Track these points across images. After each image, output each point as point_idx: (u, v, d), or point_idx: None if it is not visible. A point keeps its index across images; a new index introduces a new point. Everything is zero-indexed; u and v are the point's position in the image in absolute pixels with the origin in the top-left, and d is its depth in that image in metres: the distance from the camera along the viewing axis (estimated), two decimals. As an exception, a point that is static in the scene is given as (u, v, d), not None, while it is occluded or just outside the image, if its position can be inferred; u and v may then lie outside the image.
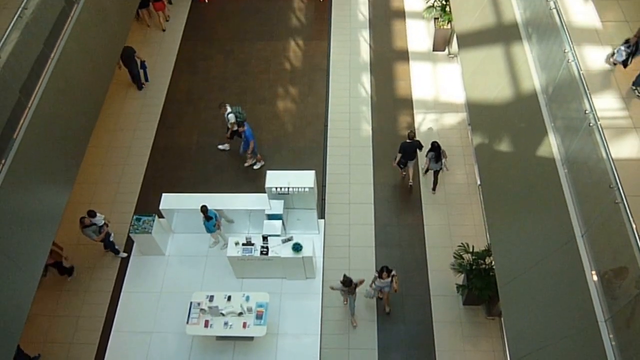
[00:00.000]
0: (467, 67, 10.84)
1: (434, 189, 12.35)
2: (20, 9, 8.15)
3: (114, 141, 13.57)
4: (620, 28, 8.42)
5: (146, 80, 14.86)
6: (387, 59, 15.25)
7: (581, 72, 6.76)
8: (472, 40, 10.75)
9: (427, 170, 12.41)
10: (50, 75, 8.58)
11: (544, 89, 7.76)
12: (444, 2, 14.21)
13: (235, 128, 12.27)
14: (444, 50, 15.25)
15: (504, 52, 9.10)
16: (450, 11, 13.29)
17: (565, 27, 7.30)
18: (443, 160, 11.68)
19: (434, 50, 15.28)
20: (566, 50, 7.09)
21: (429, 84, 14.57)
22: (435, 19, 14.77)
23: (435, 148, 11.62)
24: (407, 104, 14.16)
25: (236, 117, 12.27)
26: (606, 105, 7.38)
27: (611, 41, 8.21)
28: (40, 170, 8.33)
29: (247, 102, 14.36)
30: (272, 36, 16.04)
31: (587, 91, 6.53)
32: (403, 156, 11.87)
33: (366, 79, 14.79)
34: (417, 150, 11.85)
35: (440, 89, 14.40)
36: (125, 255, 11.55)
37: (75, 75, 9.51)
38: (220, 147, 13.28)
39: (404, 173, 12.51)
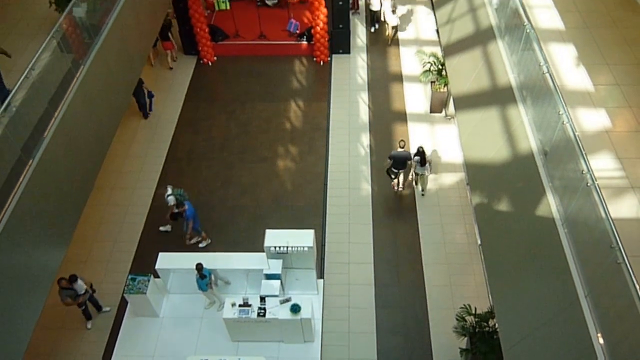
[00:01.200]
0: (464, 129, 11.01)
1: (422, 192, 13.45)
2: (27, 70, 8.36)
3: (113, 198, 13.59)
4: (611, 91, 8.64)
5: (150, 109, 15.77)
6: (386, 119, 15.54)
7: (576, 133, 6.85)
8: (468, 102, 10.98)
9: (415, 178, 13.39)
10: (52, 133, 8.69)
11: (540, 149, 7.84)
12: (439, 67, 14.64)
13: (175, 210, 12.01)
14: (441, 112, 15.57)
15: (500, 114, 9.27)
16: (446, 75, 13.66)
17: (558, 90, 7.46)
18: (427, 165, 12.77)
19: (431, 112, 15.59)
20: (560, 113, 7.22)
21: (427, 144, 14.74)
22: (431, 82, 15.17)
23: (421, 153, 12.72)
24: (406, 163, 14.28)
25: (176, 198, 12.07)
26: (603, 165, 7.44)
27: (604, 103, 8.40)
28: (36, 229, 8.27)
29: (248, 161, 14.50)
30: (273, 97, 16.41)
31: (583, 152, 6.59)
32: (394, 164, 12.90)
33: (365, 139, 15.00)
34: (407, 161, 12.89)
35: (439, 149, 14.57)
36: (108, 309, 11.32)
37: (78, 135, 9.63)
38: (161, 229, 12.92)
39: (396, 188, 13.45)
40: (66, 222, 9.17)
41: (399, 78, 16.92)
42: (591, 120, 8.23)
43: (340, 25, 17.22)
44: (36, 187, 8.16)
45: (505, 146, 8.79)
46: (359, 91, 16.51)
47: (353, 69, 17.22)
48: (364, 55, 17.67)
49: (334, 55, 17.71)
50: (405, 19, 19.00)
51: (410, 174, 13.47)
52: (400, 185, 13.37)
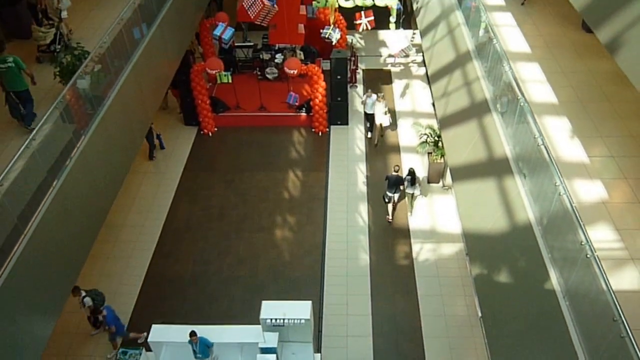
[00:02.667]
0: (461, 199, 11.03)
1: (410, 212, 14.57)
2: (28, 140, 8.46)
3: (107, 268, 13.37)
4: (606, 163, 8.73)
5: (162, 147, 17.10)
6: (384, 190, 15.59)
7: (573, 204, 6.85)
8: (465, 173, 11.07)
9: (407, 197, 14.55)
10: (49, 203, 8.67)
11: (538, 220, 7.80)
12: (436, 138, 14.90)
13: (89, 313, 11.46)
14: (438, 182, 15.67)
15: (497, 185, 9.31)
16: (442, 146, 13.87)
17: (554, 162, 7.54)
18: (417, 184, 14.11)
19: (428, 182, 15.69)
20: (557, 184, 7.25)
21: (425, 214, 14.74)
22: (428, 153, 15.37)
23: (412, 173, 14.18)
24: (404, 233, 14.20)
25: (93, 299, 11.41)
26: (601, 236, 7.39)
27: (600, 175, 8.46)
28: (27, 298, 8.07)
29: (245, 230, 14.41)
30: (272, 167, 16.57)
31: (581, 223, 6.56)
32: (388, 186, 14.03)
33: (363, 209, 14.99)
34: (401, 186, 14.03)
35: (437, 219, 14.54)
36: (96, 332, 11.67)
37: (75, 206, 9.61)
38: (93, 334, 12.02)
39: (390, 217, 14.45)
40: (58, 292, 8.96)
41: (396, 149, 17.16)
42: (588, 191, 8.25)
43: (339, 98, 17.70)
44: (30, 257, 8.03)
45: (503, 217, 8.76)
46: (357, 162, 16.69)
47: (351, 140, 17.51)
48: (362, 127, 18.01)
49: (332, 127, 18.07)
50: (403, 92, 19.58)
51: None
52: (390, 218, 14.52)
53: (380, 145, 17.20)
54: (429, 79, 15.59)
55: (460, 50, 12.40)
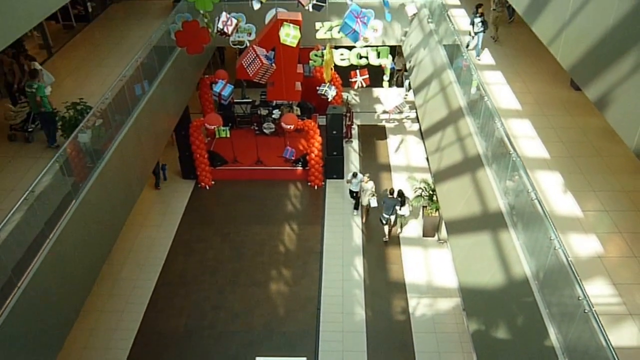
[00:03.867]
0: (457, 253, 11.03)
1: (400, 231, 15.90)
2: (27, 192, 8.52)
3: (99, 323, 13.11)
4: (600, 217, 8.82)
5: (165, 179, 17.97)
6: (379, 243, 15.60)
7: (569, 258, 6.89)
8: (460, 227, 11.12)
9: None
10: (45, 256, 8.62)
11: (535, 275, 7.81)
12: (431, 192, 15.04)
13: None
14: (433, 236, 15.69)
15: (492, 238, 9.36)
16: (437, 200, 13.99)
17: (548, 216, 7.62)
18: (407, 206, 15.24)
19: (424, 236, 15.71)
20: (552, 238, 7.30)
21: (421, 268, 14.67)
22: (423, 207, 15.48)
23: (401, 195, 15.31)
24: (401, 287, 14.08)
25: None
26: (598, 291, 7.37)
27: (594, 229, 8.53)
28: (17, 355, 7.88)
29: (240, 284, 14.26)
30: (268, 221, 16.58)
31: (578, 277, 6.57)
32: (385, 209, 15.16)
33: (359, 263, 14.91)
34: (396, 207, 15.08)
35: (433, 273, 14.46)
36: None
37: (70, 259, 9.56)
38: None
39: (386, 237, 15.57)
40: (49, 347, 8.77)
41: (391, 203, 17.24)
42: (583, 245, 8.30)
43: (335, 153, 17.97)
44: (22, 311, 7.91)
45: (500, 271, 8.75)
46: (353, 215, 16.74)
47: (347, 194, 17.62)
48: (358, 181, 18.15)
49: (328, 180, 18.25)
50: (397, 147, 19.90)
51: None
52: (386, 238, 15.65)
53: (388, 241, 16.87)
54: (423, 135, 15.90)
55: (452, 107, 12.74)
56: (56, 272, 9.03)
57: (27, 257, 8.42)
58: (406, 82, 21.28)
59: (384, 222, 15.41)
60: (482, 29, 13.99)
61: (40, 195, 8.79)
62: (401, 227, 15.97)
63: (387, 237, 15.64)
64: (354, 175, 16.25)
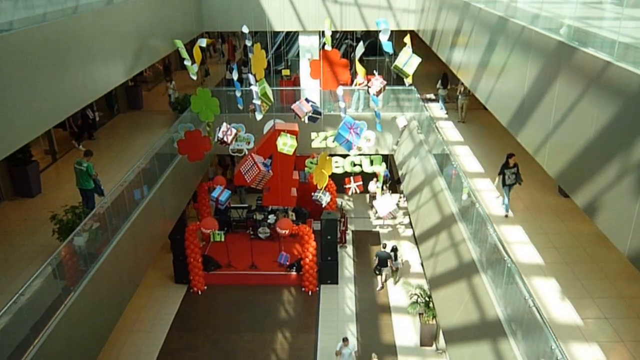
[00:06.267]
0: (457, 363, 10.66)
1: (395, 282, 17.80)
2: (16, 295, 8.37)
3: None
4: (601, 325, 8.67)
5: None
6: (376, 352, 15.00)
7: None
8: (458, 335, 10.84)
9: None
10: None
11: (538, 386, 7.53)
12: (427, 299, 14.81)
13: None
14: (431, 345, 15.20)
15: (491, 348, 9.10)
16: (434, 307, 13.74)
17: (547, 324, 7.50)
18: (399, 260, 17.71)
19: (421, 345, 15.21)
20: (553, 347, 7.14)
21: (420, 380, 14.05)
22: (420, 314, 15.15)
23: (395, 250, 17.89)
24: (399, 402, 13.37)
25: None
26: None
27: (595, 338, 8.35)
28: None
29: (229, 397, 13.51)
30: (260, 327, 16.10)
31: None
32: (379, 262, 17.22)
33: (355, 374, 14.26)
34: (388, 260, 17.10)
35: (432, 386, 13.82)
36: None
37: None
38: None
39: (380, 285, 17.64)
40: None
41: (387, 309, 16.92)
42: (586, 355, 8.08)
43: (329, 258, 17.92)
44: None
45: (502, 382, 8.43)
46: (347, 322, 16.31)
47: (341, 300, 17.31)
48: (352, 286, 17.95)
49: (322, 286, 17.99)
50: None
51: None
52: (381, 284, 17.67)
53: (370, 307, 16.96)
54: (417, 240, 15.98)
55: (444, 213, 12.96)
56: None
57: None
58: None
59: (377, 273, 17.62)
60: (514, 181, 12.04)
61: (30, 299, 8.63)
62: (395, 280, 17.77)
63: (380, 285, 17.74)
64: (345, 344, 13.83)
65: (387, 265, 17.24)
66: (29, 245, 11.49)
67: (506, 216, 12.05)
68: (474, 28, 12.06)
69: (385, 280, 17.87)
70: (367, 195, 21.11)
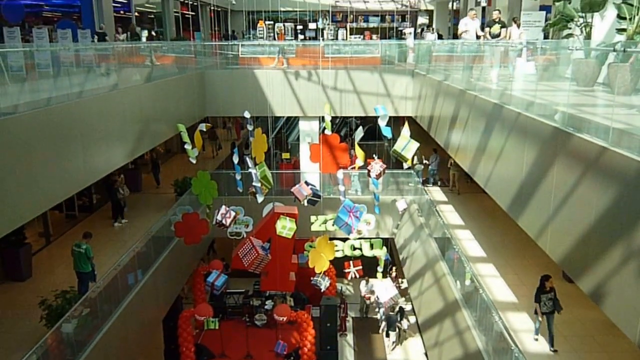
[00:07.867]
0: None
1: (400, 344, 18.07)
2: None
3: None
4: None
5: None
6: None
7: None
8: None
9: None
10: None
11: None
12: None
13: None
14: None
15: None
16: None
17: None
18: (405, 320, 17.97)
19: None
20: None
21: None
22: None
23: (402, 311, 18.06)
24: None
25: None
26: None
27: None
28: None
29: None
30: None
31: None
32: (387, 325, 17.66)
33: None
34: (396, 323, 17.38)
35: None
36: None
37: None
38: None
39: (391, 346, 17.73)
40: None
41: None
42: None
43: (328, 347, 17.17)
44: None
45: None
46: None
47: (341, 392, 16.42)
48: (353, 378, 17.07)
49: (322, 374, 17.10)
50: (395, 343, 19.12)
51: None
52: (392, 345, 17.84)
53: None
54: (420, 327, 15.43)
55: (448, 299, 12.60)
56: None
57: None
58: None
59: (387, 335, 18.11)
60: (551, 308, 10.42)
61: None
62: (401, 340, 18.12)
63: (392, 345, 17.99)
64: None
65: (395, 330, 17.64)
66: (14, 332, 11.05)
67: (555, 351, 10.08)
68: (470, 114, 12.36)
69: (396, 340, 18.04)
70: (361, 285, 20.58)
